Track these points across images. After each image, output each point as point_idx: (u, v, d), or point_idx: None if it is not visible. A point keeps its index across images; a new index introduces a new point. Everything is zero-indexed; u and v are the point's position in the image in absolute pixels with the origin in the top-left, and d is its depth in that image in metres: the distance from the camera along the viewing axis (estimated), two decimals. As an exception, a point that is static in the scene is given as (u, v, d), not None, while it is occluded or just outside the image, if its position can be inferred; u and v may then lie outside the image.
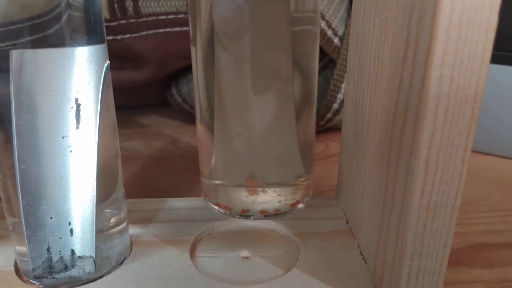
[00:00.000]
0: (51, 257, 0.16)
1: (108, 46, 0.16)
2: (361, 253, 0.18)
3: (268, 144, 0.20)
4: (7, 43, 0.13)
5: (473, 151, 0.13)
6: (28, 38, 0.14)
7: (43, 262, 0.16)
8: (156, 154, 0.34)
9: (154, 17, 0.33)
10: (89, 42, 0.15)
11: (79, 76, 0.15)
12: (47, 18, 0.14)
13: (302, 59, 0.19)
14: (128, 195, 0.19)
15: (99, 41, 0.15)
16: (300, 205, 0.21)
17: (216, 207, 0.21)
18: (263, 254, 0.19)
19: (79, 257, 0.16)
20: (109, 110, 0.16)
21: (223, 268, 0.18)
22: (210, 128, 0.20)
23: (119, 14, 0.33)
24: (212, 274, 0.17)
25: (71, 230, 0.16)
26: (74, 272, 0.16)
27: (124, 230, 0.18)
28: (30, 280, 0.16)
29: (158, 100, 0.43)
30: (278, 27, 0.18)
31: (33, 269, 0.16)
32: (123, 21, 0.33)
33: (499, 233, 0.22)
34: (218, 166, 0.20)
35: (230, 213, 0.21)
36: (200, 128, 0.21)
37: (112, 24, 0.33)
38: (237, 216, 0.21)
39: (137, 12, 0.33)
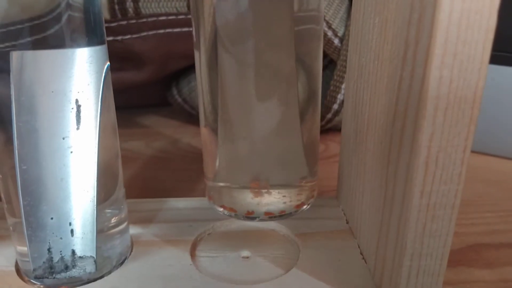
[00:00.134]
0: (52, 257, 0.16)
1: (109, 46, 0.16)
2: (361, 253, 0.18)
3: (272, 145, 0.20)
4: (7, 43, 0.14)
5: (472, 152, 0.13)
6: (28, 39, 0.14)
7: (44, 262, 0.16)
8: (156, 154, 0.34)
9: (155, 18, 0.33)
10: (89, 43, 0.15)
11: (79, 77, 0.15)
12: (47, 19, 0.14)
13: (306, 60, 0.19)
14: (129, 195, 0.19)
15: (99, 42, 0.15)
16: (305, 207, 0.21)
17: (221, 209, 0.21)
18: (264, 254, 0.19)
19: (80, 257, 0.16)
20: (110, 111, 0.16)
21: (223, 268, 0.18)
22: (214, 131, 0.20)
23: (119, 15, 0.33)
24: (213, 274, 0.17)
25: (72, 231, 0.16)
26: (74, 272, 0.16)
27: (125, 230, 0.18)
28: (31, 280, 0.16)
29: (159, 100, 0.43)
30: (282, 29, 0.18)
31: (34, 269, 0.16)
32: (124, 22, 0.33)
33: (499, 233, 0.22)
34: (222, 168, 0.20)
35: (235, 215, 0.21)
36: (204, 131, 0.21)
37: (113, 24, 0.33)
38: (242, 218, 0.21)
39: (138, 13, 0.33)
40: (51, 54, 0.14)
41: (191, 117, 0.41)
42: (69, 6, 0.14)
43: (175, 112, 0.43)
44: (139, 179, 0.30)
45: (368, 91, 0.17)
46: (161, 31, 0.33)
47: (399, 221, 0.14)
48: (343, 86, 0.33)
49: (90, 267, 0.16)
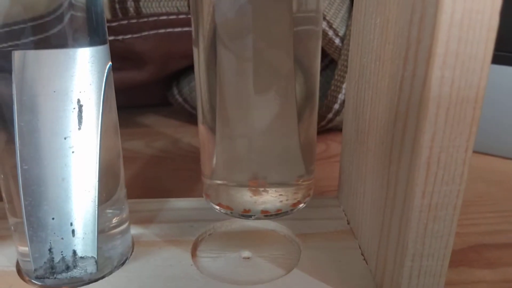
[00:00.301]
0: (53, 258, 0.16)
1: (109, 46, 0.16)
2: (362, 254, 0.18)
3: (270, 144, 0.20)
4: (10, 43, 0.14)
5: (474, 152, 0.13)
6: (31, 39, 0.14)
7: (45, 262, 0.16)
8: (156, 154, 0.34)
9: (155, 18, 0.33)
10: (91, 43, 0.15)
11: (81, 77, 0.15)
12: (49, 19, 0.14)
13: (304, 60, 0.19)
14: (129, 195, 0.19)
15: (101, 42, 0.15)
16: (301, 205, 0.21)
17: (218, 207, 0.21)
18: (264, 254, 0.19)
19: (81, 257, 0.16)
20: (111, 110, 0.16)
21: (224, 268, 0.18)
22: (212, 129, 0.20)
23: (120, 15, 0.33)
24: (214, 274, 0.17)
25: (73, 231, 0.16)
26: (76, 272, 0.16)
27: (126, 231, 0.18)
28: (32, 280, 0.16)
29: (159, 100, 0.43)
30: (281, 28, 0.18)
31: (35, 270, 0.16)
32: (124, 22, 0.33)
33: (500, 233, 0.22)
34: (219, 166, 0.21)
35: (231, 213, 0.21)
36: (202, 128, 0.21)
37: (113, 24, 0.33)
38: (238, 216, 0.21)
39: (138, 13, 0.33)
40: (53, 54, 0.14)
41: (191, 117, 0.41)
42: (71, 6, 0.14)
43: (176, 112, 0.43)
44: (139, 179, 0.30)
45: (369, 91, 0.17)
46: (162, 30, 0.33)
47: (400, 222, 0.14)
48: (344, 85, 0.33)
49: (91, 268, 0.16)
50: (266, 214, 0.21)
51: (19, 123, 0.14)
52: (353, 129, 0.20)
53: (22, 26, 0.13)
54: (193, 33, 0.19)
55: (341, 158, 0.22)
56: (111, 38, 0.33)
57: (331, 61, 0.36)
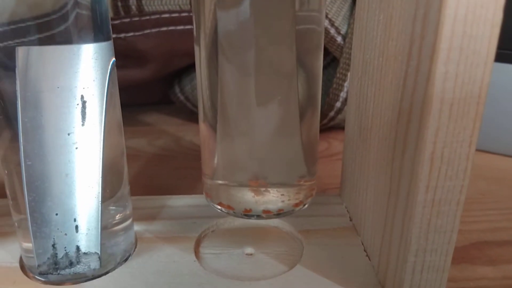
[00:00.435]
0: (56, 253, 0.16)
1: (112, 43, 0.16)
2: (365, 250, 0.18)
3: (271, 144, 0.20)
4: (16, 40, 0.14)
5: (476, 150, 0.13)
6: (36, 36, 0.14)
7: (48, 258, 0.16)
8: (159, 152, 0.34)
9: (157, 16, 0.33)
10: (95, 40, 0.15)
11: (85, 73, 0.15)
12: (55, 17, 0.14)
13: (306, 59, 0.19)
14: (132, 192, 0.19)
15: (105, 38, 0.15)
16: (303, 206, 0.21)
17: (219, 207, 0.21)
18: (267, 251, 0.19)
19: (84, 253, 0.16)
20: (115, 107, 0.16)
21: (227, 264, 0.18)
22: (213, 127, 0.20)
23: (122, 13, 0.33)
24: (217, 270, 0.18)
25: (76, 227, 0.16)
26: (79, 268, 0.16)
27: (129, 227, 0.18)
28: (36, 276, 0.16)
29: (161, 98, 0.43)
30: (283, 27, 0.18)
31: (39, 265, 0.16)
32: (127, 20, 0.33)
33: (502, 230, 0.22)
34: (220, 165, 0.20)
35: (233, 212, 0.21)
36: (203, 126, 0.21)
37: (116, 22, 0.33)
38: (240, 216, 0.21)
39: (141, 11, 0.33)
40: (57, 50, 0.14)
41: (193, 115, 0.41)
42: (77, 4, 0.14)
43: (178, 110, 0.43)
44: (141, 176, 0.30)
45: (372, 87, 0.17)
46: (164, 28, 0.33)
47: (403, 217, 0.14)
48: (346, 84, 0.33)
49: (94, 263, 0.16)
50: (268, 214, 0.21)
51: (23, 119, 0.14)
52: (355, 126, 0.20)
53: (28, 24, 0.14)
54: (194, 31, 0.19)
55: (344, 155, 0.22)
56: (113, 36, 0.33)
57: (333, 59, 0.36)
